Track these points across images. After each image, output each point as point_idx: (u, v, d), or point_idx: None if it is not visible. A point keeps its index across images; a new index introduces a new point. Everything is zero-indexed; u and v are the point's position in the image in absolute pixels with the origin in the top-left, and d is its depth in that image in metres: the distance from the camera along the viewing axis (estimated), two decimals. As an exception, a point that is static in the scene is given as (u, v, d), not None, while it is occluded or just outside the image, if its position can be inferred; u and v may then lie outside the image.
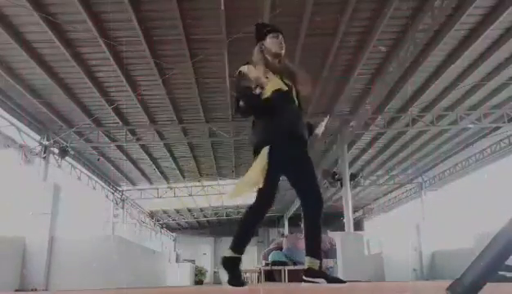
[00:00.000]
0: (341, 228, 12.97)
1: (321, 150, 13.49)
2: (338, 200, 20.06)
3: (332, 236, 13.05)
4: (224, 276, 2.42)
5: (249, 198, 2.49)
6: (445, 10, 6.53)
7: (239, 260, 2.48)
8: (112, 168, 14.64)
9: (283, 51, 2.71)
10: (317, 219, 2.56)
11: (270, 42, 2.69)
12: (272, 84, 2.57)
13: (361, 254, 10.66)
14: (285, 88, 2.59)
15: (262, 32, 2.75)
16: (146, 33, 7.26)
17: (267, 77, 2.56)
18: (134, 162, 14.21)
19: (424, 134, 12.26)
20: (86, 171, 14.23)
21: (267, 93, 2.54)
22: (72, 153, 12.06)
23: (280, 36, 2.73)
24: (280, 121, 2.51)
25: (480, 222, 11.27)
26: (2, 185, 8.92)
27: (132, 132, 11.49)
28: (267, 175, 2.40)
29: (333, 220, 20.03)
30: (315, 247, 2.56)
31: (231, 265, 2.44)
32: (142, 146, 12.60)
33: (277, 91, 2.55)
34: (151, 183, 16.98)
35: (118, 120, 10.65)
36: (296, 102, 2.64)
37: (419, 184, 17.92)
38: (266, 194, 2.48)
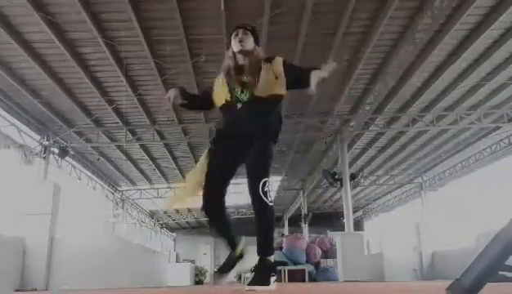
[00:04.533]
0: (341, 228, 12.97)
1: (321, 150, 13.49)
2: (338, 200, 20.10)
3: (332, 236, 13.04)
4: None
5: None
6: (445, 10, 6.54)
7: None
8: (112, 168, 14.64)
9: (243, 46, 2.35)
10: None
11: (232, 44, 2.41)
12: (219, 98, 2.51)
13: (361, 254, 10.65)
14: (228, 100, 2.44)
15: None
16: (146, 33, 7.26)
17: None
18: (134, 162, 14.21)
19: (424, 134, 12.26)
20: (86, 171, 14.23)
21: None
22: (72, 153, 12.06)
23: (241, 31, 2.37)
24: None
25: (480, 222, 11.27)
26: (2, 185, 8.91)
27: (132, 132, 11.48)
28: None
29: (333, 220, 20.08)
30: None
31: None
32: (142, 146, 12.60)
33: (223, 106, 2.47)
34: (151, 183, 16.98)
35: (118, 120, 10.64)
36: (246, 98, 2.36)
37: (419, 184, 17.92)
38: None
